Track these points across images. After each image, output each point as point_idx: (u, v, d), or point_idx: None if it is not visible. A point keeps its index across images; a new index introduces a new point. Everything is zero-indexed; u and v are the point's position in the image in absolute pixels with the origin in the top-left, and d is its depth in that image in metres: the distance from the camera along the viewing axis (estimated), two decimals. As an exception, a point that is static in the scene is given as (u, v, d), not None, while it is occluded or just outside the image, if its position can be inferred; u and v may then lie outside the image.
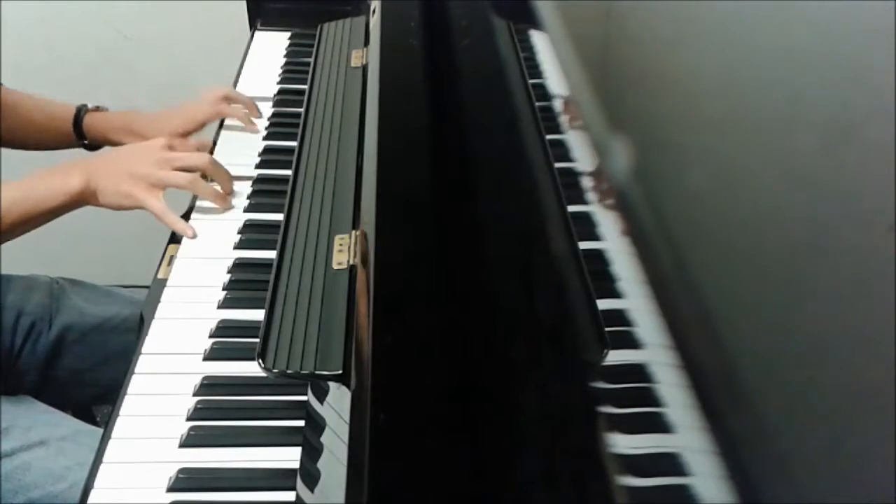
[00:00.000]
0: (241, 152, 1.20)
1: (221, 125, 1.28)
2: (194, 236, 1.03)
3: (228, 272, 0.98)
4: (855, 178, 0.47)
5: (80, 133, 1.25)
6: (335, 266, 0.83)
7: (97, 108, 1.26)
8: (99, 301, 1.18)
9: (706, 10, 0.66)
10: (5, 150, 1.25)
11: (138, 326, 0.93)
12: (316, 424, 0.76)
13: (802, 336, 0.39)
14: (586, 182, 0.60)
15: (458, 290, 0.68)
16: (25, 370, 1.13)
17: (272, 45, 1.48)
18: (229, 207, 1.08)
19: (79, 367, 1.14)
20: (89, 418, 1.29)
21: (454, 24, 1.03)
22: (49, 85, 1.26)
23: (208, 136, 1.25)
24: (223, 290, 0.96)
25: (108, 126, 1.25)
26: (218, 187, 1.08)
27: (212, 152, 1.22)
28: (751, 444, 0.34)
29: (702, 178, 0.50)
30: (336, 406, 0.71)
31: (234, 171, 1.16)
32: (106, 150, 1.26)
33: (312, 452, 0.74)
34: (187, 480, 0.75)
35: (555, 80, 0.70)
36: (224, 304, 0.94)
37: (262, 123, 1.28)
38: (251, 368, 0.79)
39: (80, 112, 1.24)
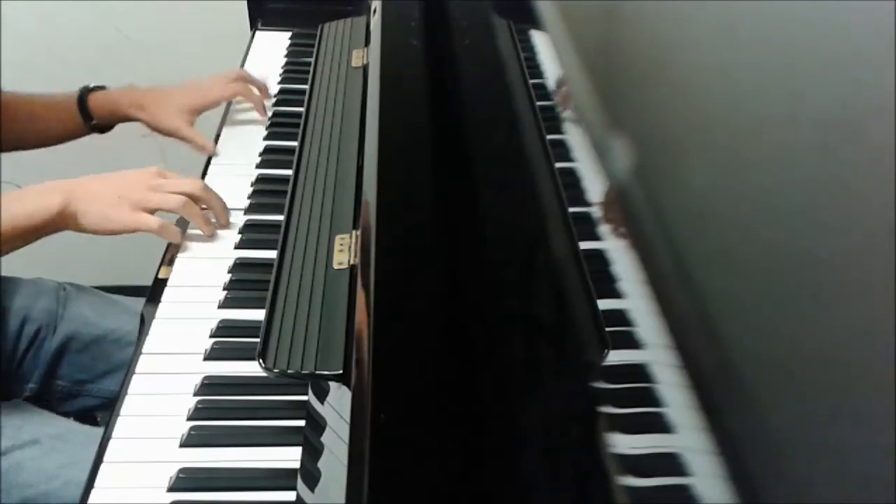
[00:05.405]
0: (241, 152, 1.20)
1: (224, 120, 1.27)
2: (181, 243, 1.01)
3: (229, 272, 0.98)
4: (855, 178, 0.47)
5: (87, 115, 1.22)
6: (336, 266, 0.83)
7: (99, 88, 1.24)
8: (104, 311, 1.16)
9: (707, 9, 0.66)
10: (11, 155, 1.24)
11: (139, 327, 0.93)
12: (316, 424, 0.76)
13: (802, 336, 0.39)
14: (591, 189, 0.60)
15: (458, 290, 0.68)
16: (26, 376, 1.12)
17: (273, 45, 1.48)
18: (214, 235, 1.03)
19: (80, 378, 1.13)
20: (90, 421, 1.29)
21: (455, 24, 1.03)
22: (49, 85, 1.25)
23: (209, 133, 1.25)
24: (224, 289, 0.96)
25: (114, 103, 1.22)
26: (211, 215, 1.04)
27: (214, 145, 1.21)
28: (751, 444, 0.34)
29: (702, 178, 0.50)
30: (336, 406, 0.72)
31: (235, 170, 1.17)
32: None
33: (313, 452, 0.74)
34: (188, 480, 0.75)
35: (555, 79, 0.70)
36: (224, 304, 0.94)
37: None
38: (252, 368, 0.79)
39: (83, 93, 1.22)
